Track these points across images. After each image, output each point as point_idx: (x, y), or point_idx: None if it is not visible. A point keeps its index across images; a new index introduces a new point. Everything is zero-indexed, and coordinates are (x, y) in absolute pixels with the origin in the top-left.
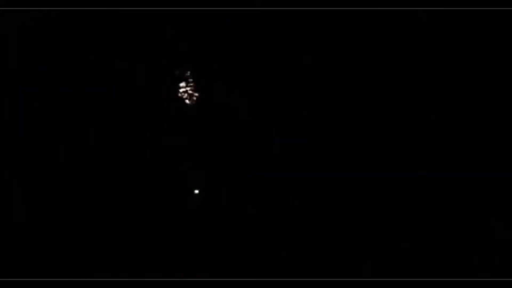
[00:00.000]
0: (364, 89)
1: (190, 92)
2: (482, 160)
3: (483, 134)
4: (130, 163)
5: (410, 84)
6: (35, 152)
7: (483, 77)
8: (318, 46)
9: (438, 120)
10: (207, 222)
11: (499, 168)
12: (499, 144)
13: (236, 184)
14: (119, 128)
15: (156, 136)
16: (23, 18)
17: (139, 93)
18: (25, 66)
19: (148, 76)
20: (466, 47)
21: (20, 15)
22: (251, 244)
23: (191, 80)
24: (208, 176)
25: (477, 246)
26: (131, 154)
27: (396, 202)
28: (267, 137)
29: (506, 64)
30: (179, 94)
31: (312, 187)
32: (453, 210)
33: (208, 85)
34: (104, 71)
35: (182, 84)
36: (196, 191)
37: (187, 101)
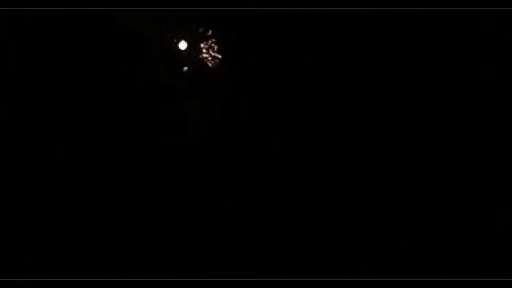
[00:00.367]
0: (364, 89)
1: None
2: (482, 160)
3: (483, 134)
4: (130, 163)
5: (410, 84)
6: (35, 152)
7: (483, 77)
8: (318, 46)
9: (438, 120)
10: (207, 222)
11: (499, 168)
12: (499, 144)
13: (236, 184)
14: (119, 128)
15: (156, 136)
16: (23, 18)
17: (139, 93)
18: (25, 66)
19: (148, 76)
20: (466, 47)
21: (20, 15)
22: (251, 244)
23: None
24: (208, 176)
25: (477, 246)
26: (131, 154)
27: (396, 202)
28: (267, 137)
29: (506, 64)
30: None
31: (312, 187)
32: (453, 210)
33: (208, 85)
34: (104, 71)
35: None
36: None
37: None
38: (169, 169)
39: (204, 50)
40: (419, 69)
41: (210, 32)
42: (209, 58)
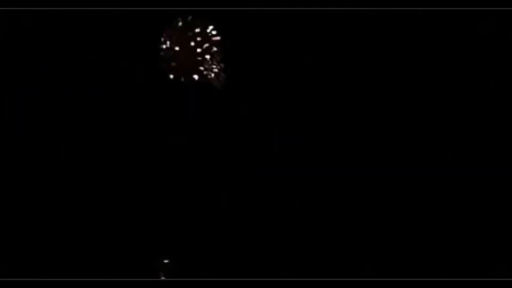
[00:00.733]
0: (364, 89)
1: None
2: (482, 160)
3: (483, 134)
4: (130, 163)
5: (410, 84)
6: (35, 152)
7: (483, 77)
8: (318, 46)
9: (438, 120)
10: (207, 222)
11: (499, 168)
12: (499, 144)
13: (236, 184)
14: (119, 128)
15: (156, 136)
16: (23, 18)
17: (139, 93)
18: (25, 66)
19: (148, 76)
20: (466, 47)
21: (20, 15)
22: (251, 244)
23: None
24: (208, 176)
25: (477, 246)
26: (131, 154)
27: (396, 202)
28: (267, 137)
29: (506, 64)
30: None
31: (312, 187)
32: (453, 210)
33: (208, 85)
34: (104, 71)
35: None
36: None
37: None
38: (169, 169)
39: (207, 61)
40: (419, 69)
41: (211, 31)
42: (212, 74)
